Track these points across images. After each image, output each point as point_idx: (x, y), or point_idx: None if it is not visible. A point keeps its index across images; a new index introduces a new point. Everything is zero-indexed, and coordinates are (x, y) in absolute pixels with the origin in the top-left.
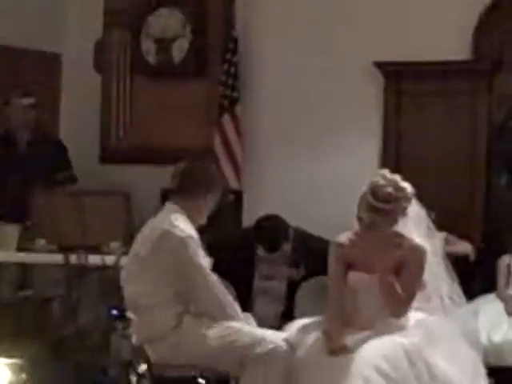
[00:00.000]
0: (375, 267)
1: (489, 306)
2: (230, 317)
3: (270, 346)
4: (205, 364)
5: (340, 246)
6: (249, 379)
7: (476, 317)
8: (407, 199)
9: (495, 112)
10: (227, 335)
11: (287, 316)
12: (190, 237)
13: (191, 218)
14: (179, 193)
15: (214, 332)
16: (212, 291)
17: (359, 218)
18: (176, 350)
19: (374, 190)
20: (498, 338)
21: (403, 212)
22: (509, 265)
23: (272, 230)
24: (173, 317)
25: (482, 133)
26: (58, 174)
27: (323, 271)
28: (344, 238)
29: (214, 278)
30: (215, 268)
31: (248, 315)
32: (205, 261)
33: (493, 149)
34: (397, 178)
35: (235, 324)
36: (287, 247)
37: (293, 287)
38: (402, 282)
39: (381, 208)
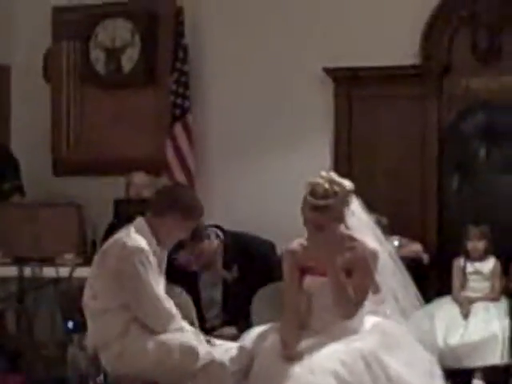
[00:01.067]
0: (327, 269)
1: (444, 309)
2: (171, 331)
3: (204, 362)
4: (145, 377)
5: (292, 252)
6: None
7: (432, 320)
8: (345, 192)
9: (445, 115)
10: (165, 351)
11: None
12: (141, 249)
13: (157, 236)
14: (150, 210)
15: (153, 347)
16: (153, 305)
17: (305, 221)
18: (119, 361)
19: (312, 189)
20: (454, 340)
21: (344, 206)
22: (463, 267)
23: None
24: (119, 325)
25: (432, 136)
26: (4, 185)
27: (259, 271)
28: (296, 244)
29: (157, 292)
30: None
31: (195, 331)
32: (153, 276)
33: (444, 152)
34: (333, 174)
35: (175, 339)
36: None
37: (228, 291)
38: (353, 283)
39: (321, 205)
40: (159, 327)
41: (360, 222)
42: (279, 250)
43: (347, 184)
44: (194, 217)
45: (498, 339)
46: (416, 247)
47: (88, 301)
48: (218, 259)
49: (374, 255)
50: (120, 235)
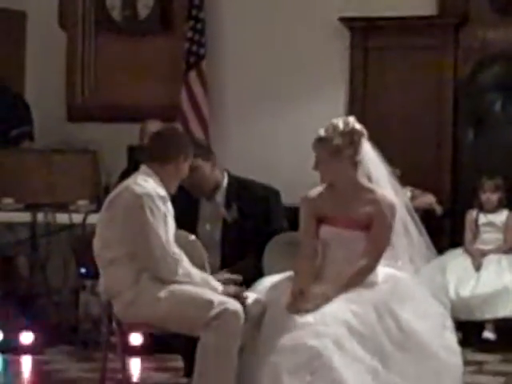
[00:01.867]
0: (346, 221)
1: (456, 262)
2: (179, 276)
3: (217, 311)
4: (157, 325)
5: (310, 200)
6: (202, 344)
7: (444, 272)
8: (352, 131)
9: (461, 67)
10: (177, 301)
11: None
12: (148, 194)
13: (164, 182)
14: (150, 157)
15: (166, 296)
16: (160, 250)
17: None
18: (130, 309)
19: (326, 127)
20: (465, 292)
21: (352, 146)
22: (476, 219)
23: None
24: (130, 274)
25: (448, 88)
26: (13, 131)
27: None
28: (314, 192)
29: (164, 237)
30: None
31: (206, 277)
32: (160, 221)
33: (459, 104)
34: (350, 118)
35: (187, 288)
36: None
37: (227, 231)
38: (372, 236)
39: (322, 136)
40: (167, 273)
41: (376, 169)
42: (285, 198)
43: (357, 125)
44: (191, 154)
45: (509, 291)
46: (429, 199)
47: (99, 251)
48: (218, 193)
49: (392, 209)
50: (127, 183)
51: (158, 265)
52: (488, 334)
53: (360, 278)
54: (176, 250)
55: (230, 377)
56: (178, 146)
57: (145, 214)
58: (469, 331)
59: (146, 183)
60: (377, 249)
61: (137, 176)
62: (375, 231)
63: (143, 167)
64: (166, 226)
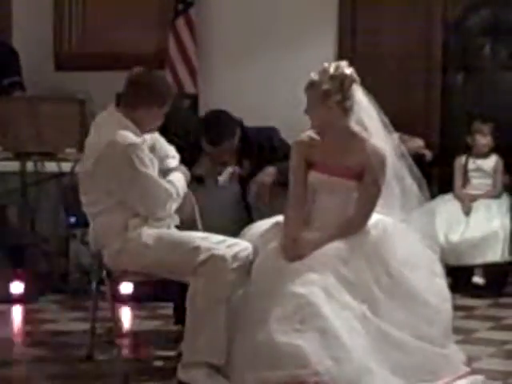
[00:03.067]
0: (336, 169)
1: (446, 206)
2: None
3: (204, 256)
4: (147, 272)
5: (301, 143)
6: (191, 291)
7: (433, 218)
8: (342, 75)
9: (450, 10)
10: (165, 247)
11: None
12: (133, 144)
13: (139, 123)
14: (123, 101)
15: (153, 242)
16: (151, 188)
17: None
18: (118, 257)
19: (318, 70)
20: (455, 237)
21: (342, 90)
22: (465, 164)
23: (217, 123)
24: (117, 224)
25: (437, 32)
26: (4, 80)
27: (269, 162)
28: (306, 136)
29: (155, 176)
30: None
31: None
32: (151, 167)
33: (448, 48)
34: (342, 63)
35: (175, 235)
36: (232, 143)
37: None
38: (362, 190)
39: (312, 80)
40: (159, 208)
41: (368, 117)
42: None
43: (348, 70)
44: (168, 101)
45: (498, 236)
46: (418, 143)
47: (86, 207)
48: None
49: (383, 161)
50: (109, 137)
51: (150, 201)
52: (477, 279)
53: (349, 230)
54: (167, 185)
55: (221, 321)
56: (149, 93)
57: (133, 163)
58: (458, 276)
59: (126, 132)
60: (367, 203)
61: (111, 126)
62: (365, 185)
63: (111, 110)
64: (154, 167)
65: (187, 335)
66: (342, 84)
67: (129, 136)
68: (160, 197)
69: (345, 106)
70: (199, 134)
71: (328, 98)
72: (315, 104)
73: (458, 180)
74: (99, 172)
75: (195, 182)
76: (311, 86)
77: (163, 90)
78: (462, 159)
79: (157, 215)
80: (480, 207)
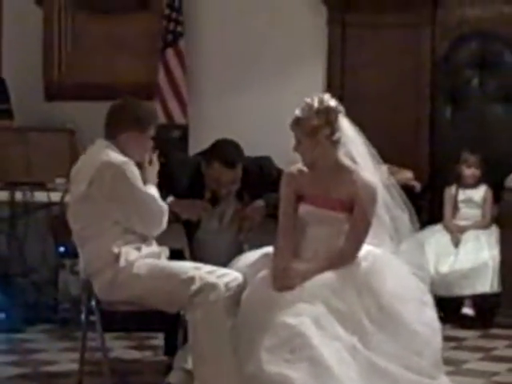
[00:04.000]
0: (326, 201)
1: (435, 238)
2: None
3: (197, 286)
4: (137, 303)
5: (291, 175)
6: (191, 324)
7: (422, 248)
8: (327, 109)
9: (439, 44)
10: (157, 278)
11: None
12: (126, 162)
13: (126, 150)
14: (105, 132)
15: (145, 273)
16: (147, 205)
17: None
18: (112, 287)
19: (301, 106)
20: (444, 268)
21: (329, 125)
22: (455, 195)
23: (230, 146)
24: (108, 252)
25: (425, 65)
26: None
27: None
28: (295, 168)
29: (157, 199)
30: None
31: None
32: (142, 184)
33: (437, 81)
34: (325, 95)
35: (167, 265)
36: (240, 170)
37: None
38: (352, 222)
39: (297, 116)
40: (156, 224)
41: (355, 147)
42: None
43: (332, 103)
44: (151, 125)
45: (488, 267)
46: (407, 175)
47: (77, 233)
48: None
49: (373, 193)
50: (98, 157)
51: (146, 219)
52: (467, 310)
53: (340, 262)
54: (162, 203)
55: (227, 349)
56: (126, 118)
57: (128, 180)
58: (448, 307)
59: (117, 154)
60: (357, 235)
61: (101, 149)
62: (355, 217)
63: (99, 140)
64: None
65: (197, 371)
66: (328, 118)
67: (120, 156)
68: (157, 213)
69: (333, 139)
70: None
71: (317, 134)
72: (303, 140)
73: (447, 211)
74: (94, 193)
75: (184, 226)
76: (297, 122)
77: (141, 113)
78: (451, 189)
79: (154, 232)
80: (469, 238)
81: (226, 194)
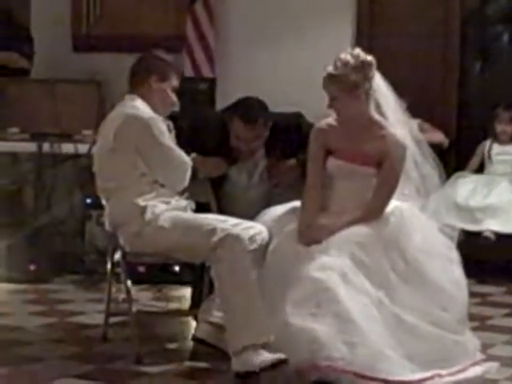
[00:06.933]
0: (355, 156)
1: (467, 179)
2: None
3: (219, 237)
4: (165, 255)
5: (320, 130)
6: (216, 275)
7: (450, 204)
8: (364, 64)
9: None
10: (181, 229)
11: None
12: (153, 117)
13: (150, 103)
14: (130, 82)
15: (169, 225)
16: (178, 167)
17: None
18: (135, 240)
19: (334, 62)
20: (475, 202)
21: (365, 80)
22: (489, 149)
23: (251, 102)
24: (136, 205)
25: (455, 19)
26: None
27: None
28: (324, 123)
29: (182, 154)
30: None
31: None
32: (169, 141)
33: (466, 35)
34: (358, 50)
35: (191, 217)
36: (265, 125)
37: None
38: (380, 179)
39: (333, 74)
40: (180, 180)
41: (386, 102)
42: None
43: (368, 58)
44: (171, 74)
45: None
46: (439, 137)
47: (103, 185)
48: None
49: (403, 150)
50: (125, 111)
51: (172, 173)
52: (488, 233)
53: (366, 217)
54: (186, 158)
55: (255, 300)
56: (145, 68)
57: (154, 135)
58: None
59: (143, 108)
60: (385, 191)
61: (127, 103)
62: (384, 173)
63: (127, 95)
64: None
65: (228, 324)
66: (367, 72)
67: (147, 110)
68: (181, 168)
69: (370, 94)
70: (222, 127)
71: (356, 89)
72: (341, 96)
73: (473, 162)
74: (119, 145)
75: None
76: (334, 78)
77: (159, 63)
78: (486, 144)
79: (177, 187)
80: (502, 180)
81: (248, 151)
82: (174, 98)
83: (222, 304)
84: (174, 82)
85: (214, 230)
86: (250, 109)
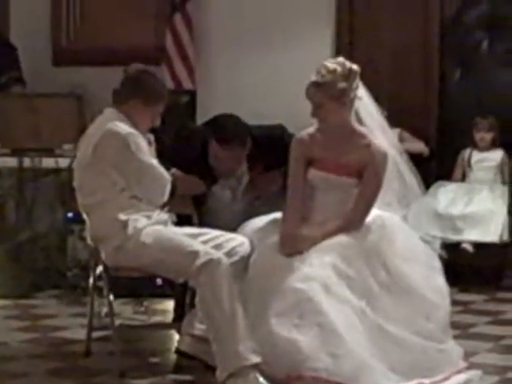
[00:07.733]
0: (336, 166)
1: (447, 188)
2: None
3: (201, 261)
4: (147, 270)
5: (301, 141)
6: (200, 299)
7: (431, 213)
8: (348, 72)
9: (448, 5)
10: (163, 248)
11: None
12: (131, 133)
13: (130, 120)
14: (114, 96)
15: (151, 242)
16: (152, 175)
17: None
18: (116, 255)
19: (318, 69)
20: (456, 211)
21: (349, 88)
22: (469, 158)
23: (227, 122)
24: (117, 219)
25: (434, 27)
26: (1, 78)
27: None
28: (305, 133)
29: (161, 170)
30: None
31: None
32: (148, 156)
33: (446, 43)
34: (341, 58)
35: (174, 235)
36: (242, 149)
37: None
38: (362, 188)
39: (319, 81)
40: (159, 195)
41: (366, 110)
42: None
43: (354, 66)
44: (157, 100)
45: (499, 216)
46: (420, 146)
47: (84, 200)
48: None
49: (384, 159)
50: (104, 126)
51: (151, 188)
52: (466, 245)
53: (348, 227)
54: (164, 173)
55: (238, 311)
56: (136, 87)
57: (132, 151)
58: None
59: (123, 124)
60: (366, 200)
61: (107, 119)
62: (365, 182)
63: (109, 110)
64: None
65: (216, 347)
66: (353, 80)
67: (126, 126)
68: (159, 184)
69: (353, 103)
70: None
71: (344, 96)
72: (327, 104)
73: (457, 173)
74: (98, 160)
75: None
76: (320, 86)
77: (149, 86)
78: (465, 152)
79: (156, 202)
80: (483, 189)
81: (227, 170)
82: (156, 121)
83: (209, 326)
84: (159, 108)
85: (196, 253)
86: (224, 129)
